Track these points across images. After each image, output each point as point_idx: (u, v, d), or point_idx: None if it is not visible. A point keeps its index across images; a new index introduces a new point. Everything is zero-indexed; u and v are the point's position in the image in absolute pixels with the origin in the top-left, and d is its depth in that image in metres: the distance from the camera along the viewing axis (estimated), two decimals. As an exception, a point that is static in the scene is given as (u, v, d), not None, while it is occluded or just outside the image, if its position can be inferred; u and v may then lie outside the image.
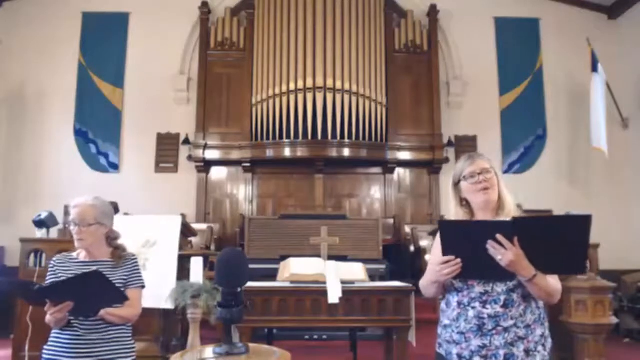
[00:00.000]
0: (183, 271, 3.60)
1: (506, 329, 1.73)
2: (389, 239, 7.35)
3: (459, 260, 1.71)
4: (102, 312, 2.06)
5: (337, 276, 3.49)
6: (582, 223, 1.61)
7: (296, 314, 3.44)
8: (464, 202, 1.93)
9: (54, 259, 2.23)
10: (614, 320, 4.10)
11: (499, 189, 1.89)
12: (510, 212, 1.83)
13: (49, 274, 2.19)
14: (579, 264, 1.69)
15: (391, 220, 7.84)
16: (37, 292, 1.95)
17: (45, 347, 2.13)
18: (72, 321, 2.06)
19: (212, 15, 8.37)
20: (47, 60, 8.13)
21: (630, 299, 6.55)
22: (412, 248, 7.42)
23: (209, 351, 1.89)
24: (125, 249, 2.30)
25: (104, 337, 2.10)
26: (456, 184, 1.94)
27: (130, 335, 2.23)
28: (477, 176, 1.86)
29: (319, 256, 3.93)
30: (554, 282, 1.75)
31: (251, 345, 1.97)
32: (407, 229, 7.77)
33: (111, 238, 2.27)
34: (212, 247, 7.08)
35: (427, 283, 1.91)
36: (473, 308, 1.78)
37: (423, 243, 7.21)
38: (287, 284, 3.54)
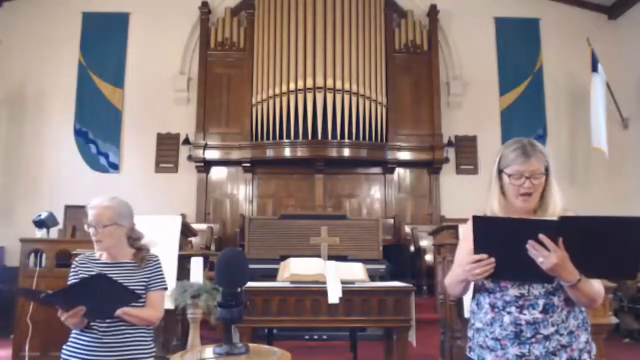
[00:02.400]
0: (183, 271, 3.61)
1: (547, 337, 1.58)
2: (389, 239, 7.35)
3: (492, 259, 1.55)
4: (119, 312, 2.03)
5: (337, 276, 3.49)
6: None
7: (296, 314, 3.44)
8: (503, 192, 1.72)
9: (77, 259, 2.19)
10: (614, 320, 4.10)
11: (545, 189, 1.69)
12: (552, 215, 1.63)
13: (71, 274, 2.16)
14: (630, 268, 1.51)
15: (391, 220, 7.84)
16: (43, 300, 1.94)
17: (64, 347, 2.12)
18: (92, 323, 2.04)
19: (212, 15, 8.37)
20: (47, 60, 8.13)
21: (630, 299, 6.55)
22: (412, 248, 7.43)
23: (209, 351, 1.89)
24: (149, 250, 2.25)
25: (123, 340, 2.08)
26: (499, 172, 1.71)
27: (150, 338, 2.19)
28: (524, 179, 1.65)
29: (319, 256, 3.93)
30: (597, 285, 1.59)
31: (251, 345, 1.97)
32: (407, 229, 7.78)
33: (133, 238, 2.21)
34: (212, 247, 7.09)
35: (453, 281, 1.75)
36: (509, 313, 1.61)
37: (423, 243, 7.22)
38: (287, 284, 3.55)
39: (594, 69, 7.52)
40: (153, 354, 2.20)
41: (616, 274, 1.62)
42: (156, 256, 2.27)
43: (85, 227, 2.15)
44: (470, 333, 1.76)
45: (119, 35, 8.25)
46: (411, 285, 3.72)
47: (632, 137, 8.12)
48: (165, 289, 2.24)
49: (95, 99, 8.07)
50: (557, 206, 1.68)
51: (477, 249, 1.57)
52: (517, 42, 8.44)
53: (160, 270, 2.24)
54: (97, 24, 8.21)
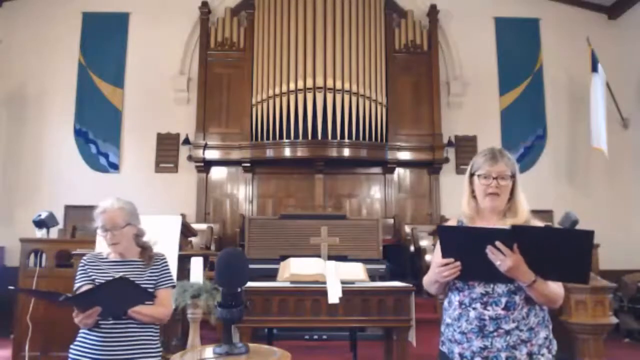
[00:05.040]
0: (183, 271, 3.61)
1: (508, 332, 1.72)
2: (389, 239, 7.35)
3: (458, 263, 1.71)
4: (131, 311, 2.05)
5: (337, 276, 3.49)
6: (584, 238, 1.59)
7: (296, 314, 3.44)
8: (474, 195, 1.88)
9: (84, 258, 2.21)
10: (614, 320, 4.10)
11: (513, 194, 1.84)
12: (522, 217, 1.80)
13: (79, 273, 2.16)
14: (581, 274, 1.66)
15: (391, 220, 7.84)
16: (63, 302, 1.94)
17: (72, 346, 2.12)
18: (100, 322, 2.05)
19: (212, 15, 8.37)
20: (47, 60, 8.12)
21: (630, 299, 6.56)
22: (412, 248, 7.43)
23: (209, 351, 1.89)
24: (152, 248, 2.28)
25: (130, 338, 2.09)
26: (471, 175, 1.89)
27: (157, 336, 2.20)
28: (492, 180, 1.81)
29: (319, 256, 3.93)
30: (555, 287, 1.73)
31: (251, 345, 1.97)
32: (407, 229, 7.78)
33: (138, 235, 2.24)
34: (212, 247, 7.09)
35: (429, 281, 1.92)
36: (474, 309, 1.77)
37: (423, 243, 7.22)
38: (287, 284, 3.55)
39: (594, 69, 7.51)
40: (160, 353, 2.21)
41: (567, 278, 1.78)
42: (163, 255, 2.31)
43: (99, 231, 2.16)
44: (442, 328, 1.91)
45: (119, 35, 8.25)
46: (411, 285, 3.72)
47: (632, 137, 8.12)
48: (174, 286, 2.30)
49: (95, 99, 8.06)
50: (525, 211, 1.83)
51: (445, 254, 1.75)
52: (517, 42, 8.44)
53: (168, 269, 2.28)
54: (97, 24, 8.21)
